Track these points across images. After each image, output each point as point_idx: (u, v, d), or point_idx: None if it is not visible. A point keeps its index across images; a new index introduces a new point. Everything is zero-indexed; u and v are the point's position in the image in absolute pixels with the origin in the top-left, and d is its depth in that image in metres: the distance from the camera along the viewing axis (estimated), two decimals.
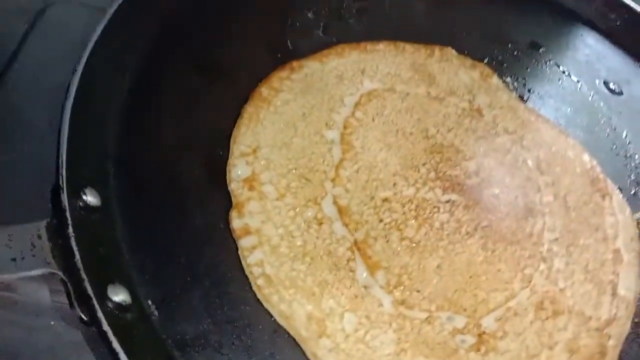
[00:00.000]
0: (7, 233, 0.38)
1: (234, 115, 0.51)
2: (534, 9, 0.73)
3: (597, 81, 0.68)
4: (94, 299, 0.37)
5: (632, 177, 0.59)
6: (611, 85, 0.68)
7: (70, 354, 0.45)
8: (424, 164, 0.50)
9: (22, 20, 0.68)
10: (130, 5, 0.53)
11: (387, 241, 0.45)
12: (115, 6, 0.52)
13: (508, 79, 0.63)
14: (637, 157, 0.61)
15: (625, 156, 0.61)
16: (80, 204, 0.41)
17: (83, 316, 0.37)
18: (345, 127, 0.51)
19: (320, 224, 0.46)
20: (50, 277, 0.40)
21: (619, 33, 0.73)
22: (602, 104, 0.65)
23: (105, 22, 0.50)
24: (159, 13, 0.56)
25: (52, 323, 0.47)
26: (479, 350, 0.42)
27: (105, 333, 0.36)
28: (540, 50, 0.68)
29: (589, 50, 0.71)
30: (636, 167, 0.60)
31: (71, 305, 0.38)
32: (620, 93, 0.67)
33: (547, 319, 0.45)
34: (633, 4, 0.73)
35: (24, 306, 0.47)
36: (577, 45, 0.71)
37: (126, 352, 0.36)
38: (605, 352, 0.45)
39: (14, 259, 0.38)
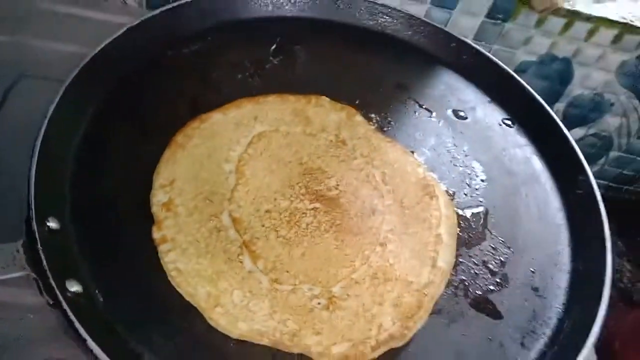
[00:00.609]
0: None
1: (158, 157, 0.71)
2: (400, 54, 0.91)
3: (448, 111, 0.86)
4: (56, 289, 0.53)
5: (466, 181, 0.79)
6: (460, 113, 0.87)
7: (45, 336, 0.62)
8: (297, 183, 0.69)
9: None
10: (83, 77, 0.69)
11: (267, 239, 0.63)
12: (70, 79, 0.68)
13: (373, 115, 0.81)
14: (472, 165, 0.81)
15: (463, 166, 0.80)
16: (46, 228, 0.57)
17: (50, 300, 0.55)
18: (239, 161, 0.69)
19: (219, 231, 0.63)
20: (26, 280, 0.58)
21: (470, 70, 0.93)
22: (448, 128, 0.84)
23: (62, 91, 0.67)
24: (106, 84, 0.73)
25: (30, 316, 0.64)
26: (328, 308, 0.60)
27: (65, 311, 0.53)
28: (404, 90, 0.87)
29: (445, 86, 0.90)
30: (469, 173, 0.79)
31: (41, 293, 0.55)
32: (466, 118, 0.87)
33: (379, 285, 0.63)
34: (481, 48, 0.94)
35: (6, 306, 0.64)
36: (435, 83, 0.90)
37: (80, 322, 0.53)
38: (422, 305, 0.63)
39: (1, 267, 0.56)
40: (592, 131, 1.27)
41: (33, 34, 0.91)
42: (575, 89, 1.18)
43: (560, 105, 1.21)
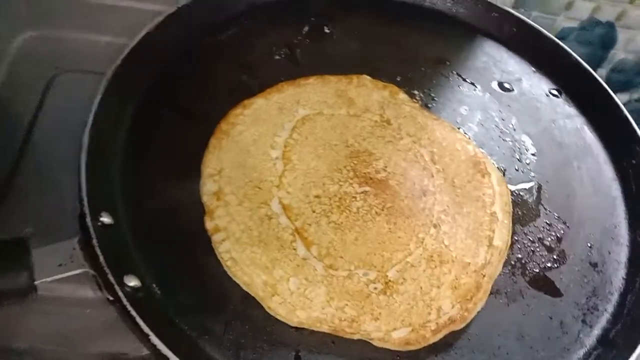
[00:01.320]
0: (53, 248, 0.56)
1: (205, 148, 0.70)
2: (439, 27, 0.88)
3: (492, 83, 0.84)
4: (115, 285, 0.54)
5: (516, 156, 0.77)
6: (505, 85, 0.85)
7: (103, 330, 0.63)
8: (345, 167, 0.67)
9: (38, 88, 0.85)
10: (125, 69, 0.69)
11: (319, 225, 0.63)
12: (112, 71, 0.68)
13: (416, 92, 0.79)
14: (521, 139, 0.78)
15: (512, 140, 0.78)
16: (99, 224, 0.58)
17: (109, 297, 0.55)
18: (285, 146, 0.69)
19: (270, 218, 0.63)
20: (83, 278, 0.58)
21: (513, 40, 0.90)
22: (494, 101, 0.82)
23: (105, 84, 0.66)
24: (148, 74, 0.72)
25: (87, 311, 0.65)
26: (385, 293, 0.60)
27: (125, 306, 0.54)
28: (445, 64, 0.85)
29: (487, 58, 0.87)
30: (519, 148, 0.77)
31: (101, 290, 0.56)
32: (512, 90, 0.84)
33: (435, 267, 0.62)
34: (524, 17, 0.90)
35: (65, 301, 0.65)
36: (477, 54, 0.88)
37: (140, 316, 0.54)
38: (481, 287, 0.62)
39: (60, 265, 0.56)
40: (636, 96, 1.23)
41: (67, 27, 0.90)
42: (619, 54, 1.14)
43: (603, 71, 1.17)
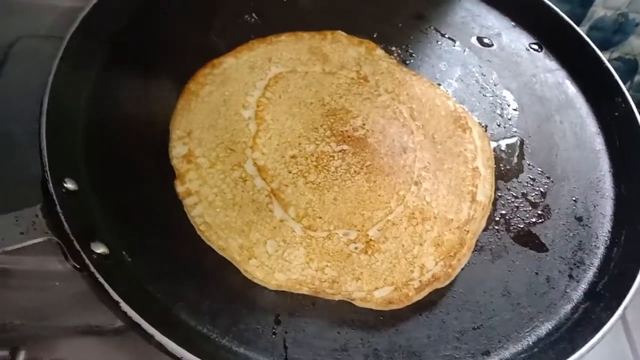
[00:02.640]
0: (14, 216, 0.52)
1: (172, 109, 0.66)
2: None
3: (471, 38, 0.82)
4: (82, 252, 0.51)
5: (497, 111, 0.75)
6: (484, 40, 0.82)
7: (73, 302, 0.60)
8: (321, 125, 0.65)
9: None
10: (83, 32, 0.65)
11: (295, 186, 0.60)
12: (70, 33, 0.63)
13: (393, 48, 0.77)
14: (502, 94, 0.76)
15: (492, 95, 0.76)
16: (63, 190, 0.54)
17: (76, 265, 0.52)
18: (258, 106, 0.65)
19: (245, 181, 0.60)
20: (50, 246, 0.55)
21: None
22: (474, 57, 0.79)
23: (64, 46, 0.62)
24: (107, 33, 0.68)
25: (57, 284, 0.62)
26: (366, 252, 0.58)
27: (93, 274, 0.51)
28: (423, 19, 0.82)
29: (466, 13, 0.85)
30: (500, 103, 0.75)
31: (67, 259, 0.53)
32: (491, 45, 0.82)
33: (417, 224, 0.60)
34: None
35: (33, 274, 0.62)
36: (456, 9, 0.85)
37: (110, 286, 0.51)
38: (464, 243, 0.60)
39: (22, 233, 0.52)
40: (615, 55, 1.21)
41: None
42: (598, 11, 1.12)
43: (582, 29, 1.15)
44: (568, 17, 1.07)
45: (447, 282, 0.58)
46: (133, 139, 0.62)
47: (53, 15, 0.82)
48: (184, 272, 0.55)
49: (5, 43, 0.81)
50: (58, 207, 0.52)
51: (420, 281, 0.57)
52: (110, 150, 0.61)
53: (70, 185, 0.56)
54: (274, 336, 0.53)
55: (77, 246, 0.51)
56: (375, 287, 0.56)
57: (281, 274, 0.55)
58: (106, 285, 0.50)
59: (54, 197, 0.53)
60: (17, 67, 0.78)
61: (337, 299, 0.55)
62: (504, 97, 0.75)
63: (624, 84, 1.29)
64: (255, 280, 0.55)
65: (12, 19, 0.84)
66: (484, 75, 0.77)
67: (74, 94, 0.63)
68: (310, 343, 0.53)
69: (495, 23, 0.85)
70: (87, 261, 0.51)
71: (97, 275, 0.50)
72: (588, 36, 1.13)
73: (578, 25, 1.11)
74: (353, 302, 0.55)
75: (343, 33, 0.74)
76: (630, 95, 1.30)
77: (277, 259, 0.56)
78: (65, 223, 0.52)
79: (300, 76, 0.69)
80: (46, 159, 0.55)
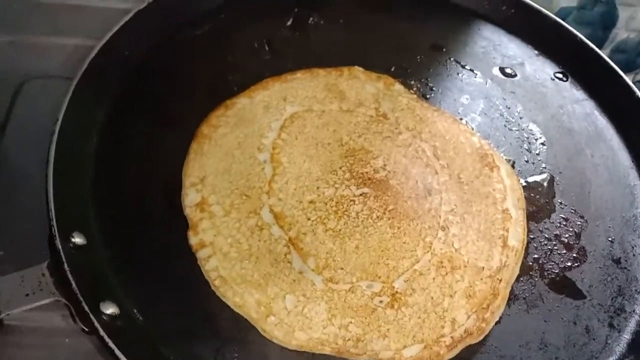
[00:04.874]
0: (20, 276, 0.50)
1: (185, 154, 0.64)
2: (433, 14, 0.83)
3: (493, 69, 0.78)
4: (90, 314, 0.48)
5: (525, 146, 0.71)
6: (507, 70, 0.79)
7: None
8: (340, 167, 0.62)
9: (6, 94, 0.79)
10: (92, 73, 0.63)
11: (315, 234, 0.57)
12: (78, 76, 0.62)
13: (412, 82, 0.73)
14: (528, 128, 0.73)
15: (519, 129, 0.73)
16: (71, 245, 0.52)
17: (84, 328, 0.49)
18: (273, 148, 0.62)
19: (261, 229, 0.57)
20: (57, 304, 0.52)
21: (512, 21, 0.84)
22: (497, 88, 0.76)
23: (71, 90, 0.60)
24: (118, 77, 0.67)
25: (66, 340, 0.59)
26: (393, 307, 0.54)
27: (102, 338, 0.48)
28: (442, 51, 0.79)
29: (486, 42, 0.82)
30: (527, 137, 0.72)
31: (74, 321, 0.50)
32: (515, 75, 0.79)
33: (446, 274, 0.56)
34: None
35: (41, 331, 0.59)
36: (475, 39, 0.82)
37: (120, 349, 0.48)
38: (498, 293, 0.56)
39: (27, 295, 0.50)
40: (639, 77, 1.17)
41: (32, 31, 0.84)
42: (621, 33, 1.08)
43: (604, 52, 1.11)
44: (589, 40, 1.04)
45: (481, 337, 0.54)
46: (144, 187, 0.59)
47: (62, 55, 0.80)
48: (199, 331, 0.52)
49: (14, 84, 0.79)
50: (65, 264, 0.50)
51: (452, 337, 0.53)
52: (120, 200, 0.58)
53: (78, 239, 0.54)
54: None
55: (86, 308, 0.48)
56: (403, 345, 0.52)
57: (302, 333, 0.51)
58: (116, 351, 0.47)
59: (61, 254, 0.51)
60: (25, 109, 0.77)
61: (363, 359, 0.52)
62: (531, 130, 0.72)
63: None
64: (274, 340, 0.51)
65: (21, 60, 0.82)
66: (509, 108, 0.74)
67: (82, 139, 0.62)
68: None
69: (518, 52, 0.81)
70: (96, 324, 0.48)
71: (107, 339, 0.47)
72: (610, 59, 1.10)
73: (600, 49, 1.08)
74: None
75: (360, 68, 0.72)
76: None
77: (297, 316, 0.52)
78: (73, 282, 0.49)
79: (317, 115, 0.66)
80: (53, 212, 0.53)
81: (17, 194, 0.66)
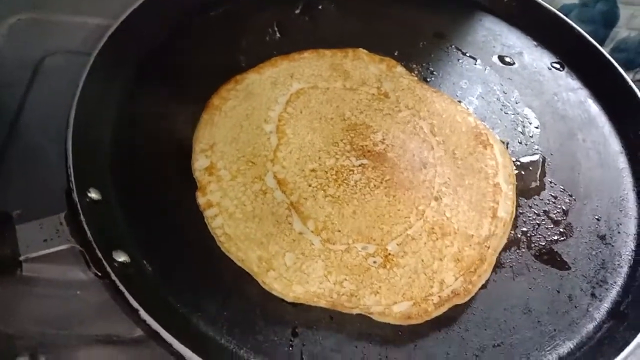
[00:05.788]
0: (39, 223, 0.54)
1: (196, 123, 0.67)
2: (438, 4, 0.86)
3: (493, 57, 0.81)
4: (103, 260, 0.52)
5: (519, 129, 0.74)
6: (506, 59, 0.82)
7: (93, 311, 0.61)
8: (341, 140, 0.65)
9: (27, 70, 0.84)
10: (111, 46, 0.67)
11: (315, 199, 0.60)
12: (97, 49, 0.66)
13: (414, 66, 0.77)
14: (524, 112, 0.76)
15: (514, 113, 0.76)
16: (87, 199, 0.56)
17: (98, 272, 0.53)
18: (279, 120, 0.66)
19: (265, 193, 0.61)
20: (72, 255, 0.56)
21: (514, 13, 0.88)
22: (495, 75, 0.79)
23: (91, 62, 0.64)
24: (135, 51, 0.71)
25: (78, 292, 0.63)
26: (385, 266, 0.57)
27: (114, 282, 0.52)
28: (444, 39, 0.83)
29: (487, 32, 0.85)
30: (522, 121, 0.75)
31: (88, 267, 0.53)
32: (513, 63, 0.82)
33: (437, 239, 0.60)
34: None
35: (55, 283, 0.63)
36: (477, 28, 0.86)
37: (130, 294, 0.51)
38: (485, 259, 0.59)
39: (45, 240, 0.54)
40: (639, 76, 1.20)
41: (54, 9, 0.88)
42: (622, 32, 1.11)
43: (605, 50, 1.14)
44: (591, 37, 1.07)
45: (467, 299, 0.57)
46: (157, 152, 0.63)
47: (83, 32, 0.84)
48: (204, 283, 0.56)
49: (36, 58, 0.84)
50: (81, 215, 0.53)
51: (439, 297, 0.56)
52: (134, 162, 0.62)
53: (94, 195, 0.58)
54: (291, 349, 0.53)
55: (99, 254, 0.52)
56: (393, 301, 0.55)
57: (299, 287, 0.55)
58: (126, 293, 0.51)
59: (78, 206, 0.54)
60: (46, 81, 0.81)
61: (355, 313, 0.55)
62: (526, 115, 0.75)
63: None
64: (274, 292, 0.55)
65: (43, 35, 0.86)
66: (505, 94, 0.77)
67: (100, 108, 0.65)
68: (327, 356, 0.53)
69: (517, 42, 0.85)
70: (108, 269, 0.51)
71: (118, 283, 0.51)
72: (611, 56, 1.13)
73: (601, 46, 1.11)
74: (371, 316, 0.55)
75: (364, 51, 0.75)
76: None
77: (296, 272, 0.56)
78: (87, 231, 0.53)
79: (322, 92, 0.70)
80: (71, 169, 0.56)
81: (38, 159, 0.71)
